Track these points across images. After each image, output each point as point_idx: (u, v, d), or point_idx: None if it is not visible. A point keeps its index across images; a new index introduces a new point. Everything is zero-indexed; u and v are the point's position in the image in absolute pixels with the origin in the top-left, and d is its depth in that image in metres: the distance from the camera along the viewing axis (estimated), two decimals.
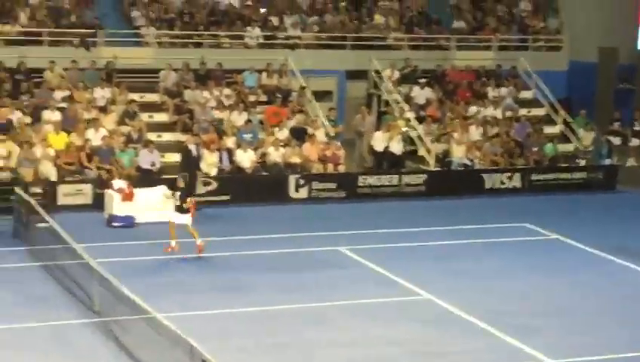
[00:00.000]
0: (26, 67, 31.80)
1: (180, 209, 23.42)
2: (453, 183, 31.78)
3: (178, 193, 23.54)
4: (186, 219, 23.41)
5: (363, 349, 18.21)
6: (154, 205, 25.92)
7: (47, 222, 22.39)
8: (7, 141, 28.37)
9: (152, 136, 30.54)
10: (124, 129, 30.46)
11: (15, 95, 30.90)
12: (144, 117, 31.53)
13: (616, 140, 36.39)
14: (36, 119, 30.07)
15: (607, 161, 35.10)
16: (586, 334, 19.36)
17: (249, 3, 37.66)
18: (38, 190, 26.36)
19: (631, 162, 35.63)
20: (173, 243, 23.53)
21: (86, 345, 17.79)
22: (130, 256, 23.47)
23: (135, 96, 32.20)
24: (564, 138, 35.92)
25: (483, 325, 19.47)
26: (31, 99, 30.88)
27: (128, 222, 26.13)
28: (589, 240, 25.96)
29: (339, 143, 32.01)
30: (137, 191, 26.64)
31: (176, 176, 24.31)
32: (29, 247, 23.41)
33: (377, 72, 36.33)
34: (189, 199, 23.56)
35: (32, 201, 23.90)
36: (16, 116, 29.70)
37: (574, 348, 18.59)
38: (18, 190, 24.98)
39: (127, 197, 26.49)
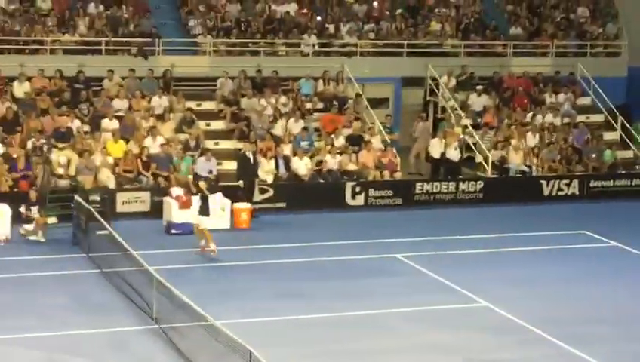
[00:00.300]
0: (85, 76, 32.06)
1: (201, 211, 24.38)
2: (511, 190, 31.53)
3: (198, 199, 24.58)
4: (205, 221, 24.33)
5: (419, 356, 18.16)
6: (212, 212, 26.03)
7: (107, 229, 22.59)
8: (67, 149, 28.71)
9: (209, 144, 30.72)
10: (182, 137, 30.68)
11: (74, 104, 31.21)
12: (201, 125, 31.69)
13: None
14: (95, 127, 30.37)
15: None
16: None
17: (305, 11, 37.73)
18: (97, 198, 26.54)
19: None
20: (212, 245, 24.05)
21: (144, 351, 17.91)
22: (189, 263, 23.62)
23: (192, 104, 32.39)
24: (623, 144, 35.55)
25: (541, 333, 19.32)
26: (90, 108, 31.16)
27: (186, 230, 26.27)
28: None
29: (395, 150, 31.97)
30: (195, 198, 26.76)
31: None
32: (88, 254, 23.63)
33: (434, 78, 36.22)
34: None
35: (92, 209, 24.13)
36: (75, 125, 30.02)
37: (636, 356, 18.37)
38: (77, 198, 25.22)
39: (185, 204, 26.61)
